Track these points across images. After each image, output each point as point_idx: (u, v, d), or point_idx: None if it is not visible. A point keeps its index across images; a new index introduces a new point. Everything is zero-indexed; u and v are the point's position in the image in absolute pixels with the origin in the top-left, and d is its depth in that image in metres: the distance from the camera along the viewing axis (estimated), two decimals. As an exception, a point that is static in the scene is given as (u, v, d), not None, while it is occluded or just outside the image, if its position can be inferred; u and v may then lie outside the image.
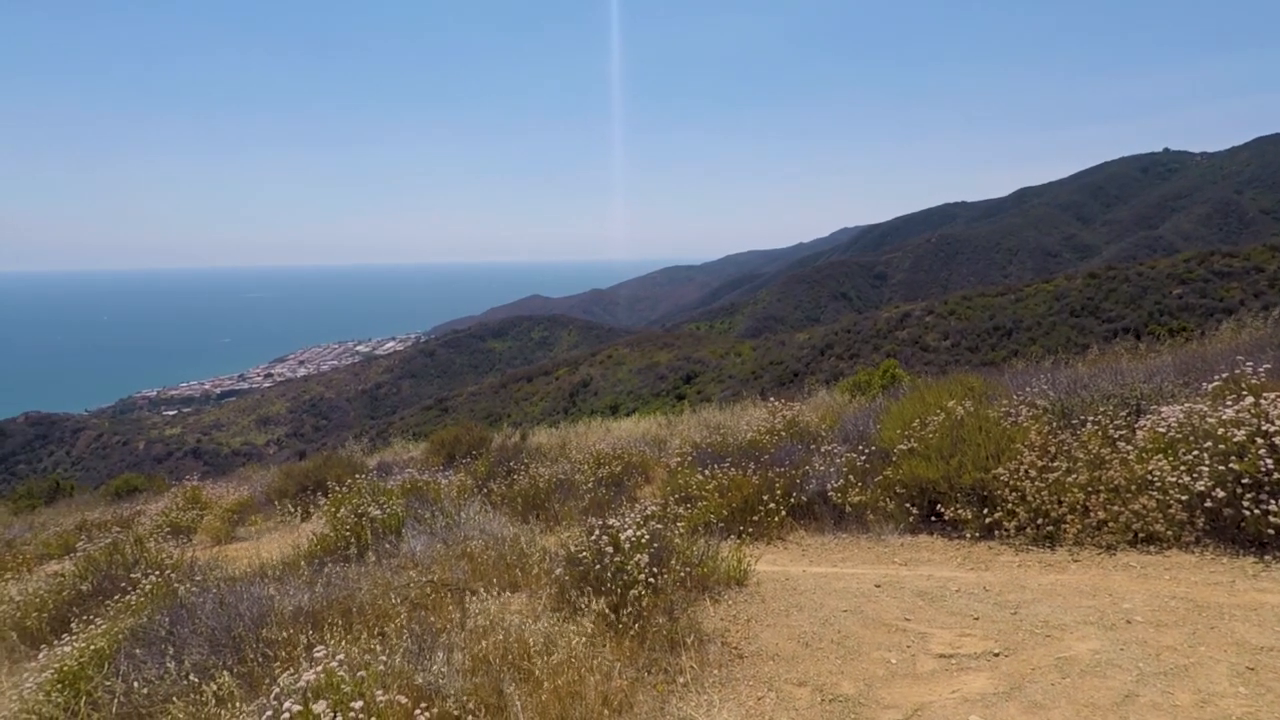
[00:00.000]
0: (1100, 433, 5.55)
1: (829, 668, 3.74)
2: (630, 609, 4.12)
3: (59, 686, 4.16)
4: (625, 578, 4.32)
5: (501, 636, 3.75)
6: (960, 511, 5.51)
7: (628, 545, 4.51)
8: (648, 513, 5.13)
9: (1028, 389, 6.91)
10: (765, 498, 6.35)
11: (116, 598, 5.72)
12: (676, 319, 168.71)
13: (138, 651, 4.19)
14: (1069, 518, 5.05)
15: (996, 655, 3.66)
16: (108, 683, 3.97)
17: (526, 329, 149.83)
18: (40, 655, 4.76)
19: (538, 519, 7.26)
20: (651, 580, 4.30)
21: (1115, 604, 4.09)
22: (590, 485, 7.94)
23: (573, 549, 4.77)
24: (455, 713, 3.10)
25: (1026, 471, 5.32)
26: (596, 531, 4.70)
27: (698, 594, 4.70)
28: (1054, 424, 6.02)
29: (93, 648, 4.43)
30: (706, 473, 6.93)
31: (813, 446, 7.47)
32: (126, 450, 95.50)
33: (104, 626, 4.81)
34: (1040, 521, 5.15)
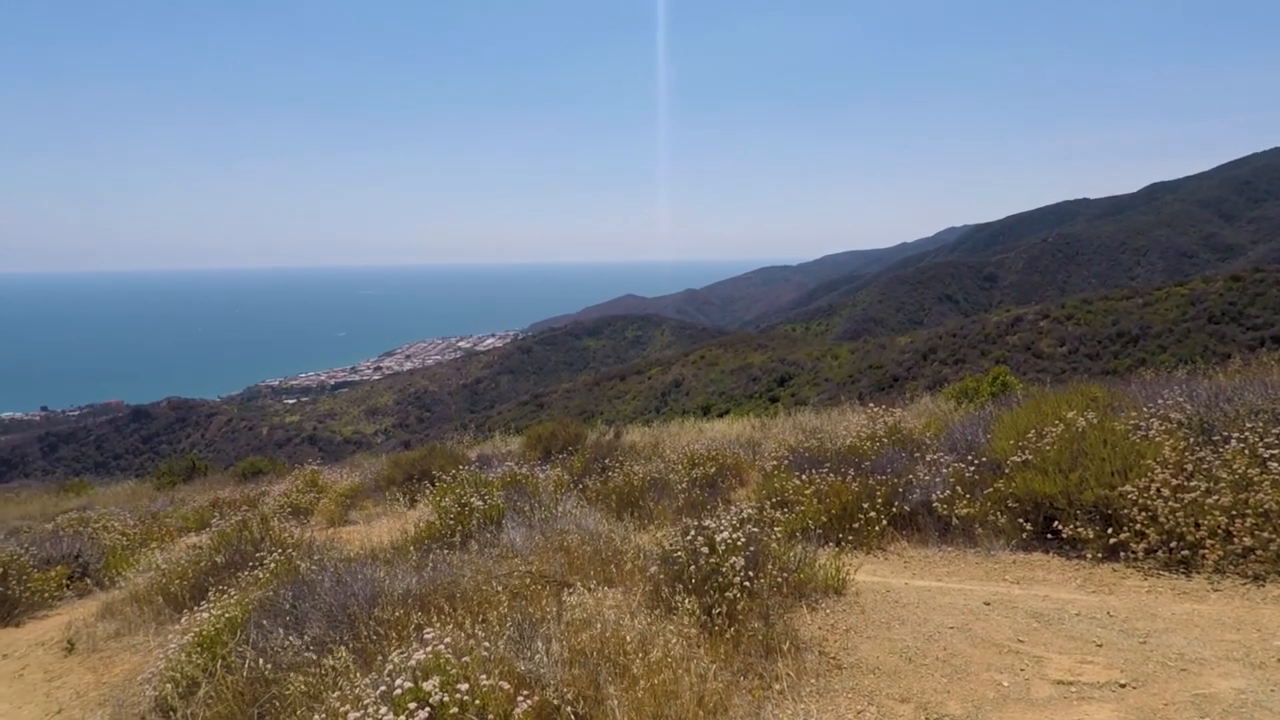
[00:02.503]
0: (1247, 451, 5.04)
1: (934, 685, 3.58)
2: (725, 611, 4.09)
3: (198, 649, 4.55)
4: (720, 579, 4.29)
5: (598, 630, 3.81)
6: (1081, 530, 5.15)
7: (723, 547, 4.48)
8: (744, 515, 5.08)
9: (1159, 401, 6.38)
10: (865, 506, 6.16)
11: (246, 571, 6.21)
12: (771, 320, 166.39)
13: (265, 622, 4.53)
14: (1208, 542, 4.63)
15: (1123, 686, 3.39)
16: (240, 649, 4.31)
17: (620, 328, 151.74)
18: (182, 619, 5.23)
19: (632, 516, 7.32)
20: (747, 584, 4.26)
21: (1264, 640, 3.71)
22: (684, 485, 7.94)
23: (667, 548, 4.78)
24: (555, 702, 3.18)
25: (1159, 490, 4.91)
26: (692, 532, 4.69)
27: (794, 600, 4.61)
28: (1191, 440, 5.53)
29: (227, 616, 4.83)
30: (803, 477, 6.79)
31: (916, 455, 7.17)
32: (251, 435, 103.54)
33: (236, 597, 5.23)
34: (1174, 545, 4.74)
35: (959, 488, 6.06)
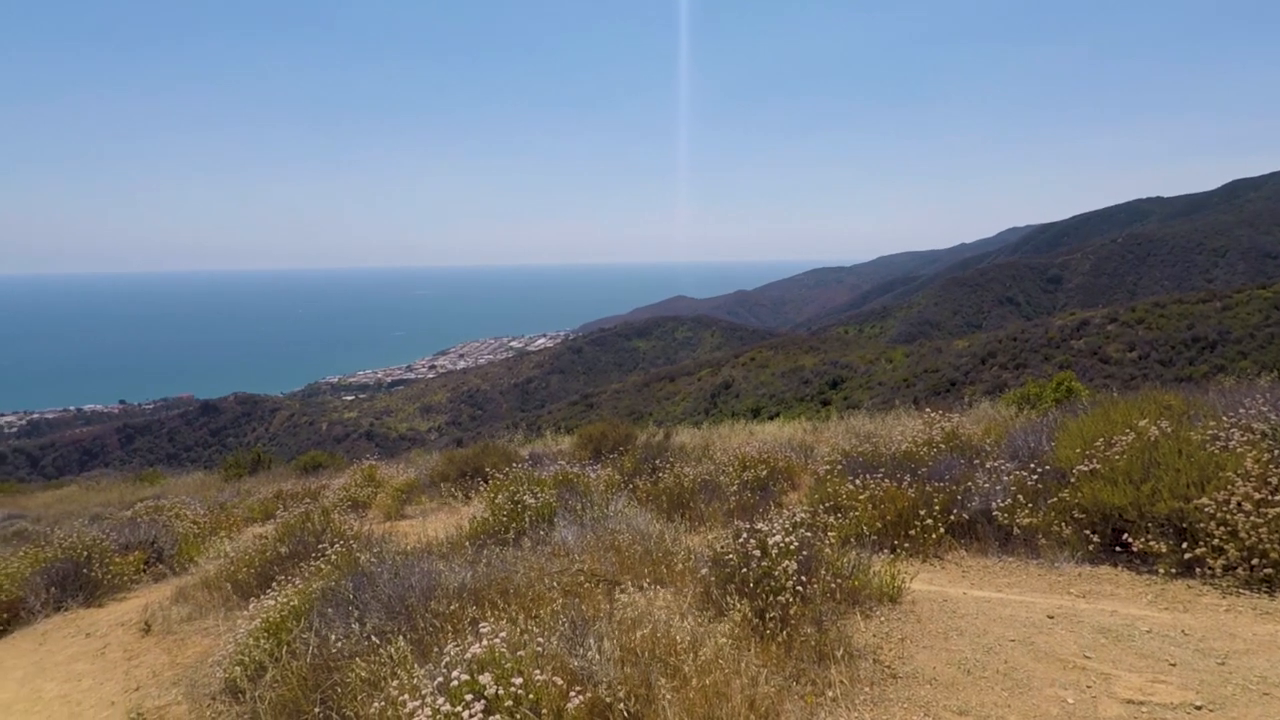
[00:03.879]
0: (1338, 464, 4.75)
1: (993, 699, 3.48)
2: (777, 615, 4.05)
3: (265, 634, 4.74)
4: (772, 583, 4.26)
5: (649, 630, 3.82)
6: (1152, 544, 4.93)
7: (775, 551, 4.44)
8: (796, 519, 5.03)
9: (1240, 410, 6.04)
10: (921, 513, 6.01)
11: (308, 561, 6.43)
12: (824, 322, 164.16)
13: (328, 611, 4.69)
14: (1294, 560, 4.38)
15: (1199, 709, 3.24)
16: (304, 636, 4.47)
17: (670, 329, 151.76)
18: (249, 606, 5.45)
19: (682, 518, 7.32)
20: (800, 588, 4.21)
21: (1356, 666, 3.49)
22: (735, 488, 7.90)
23: (719, 550, 4.76)
24: (607, 699, 3.20)
25: (1239, 504, 4.66)
26: (744, 534, 4.67)
27: (847, 607, 4.54)
28: (1276, 452, 5.23)
29: (291, 604, 5.01)
30: (857, 482, 6.67)
31: (975, 462, 6.98)
32: (312, 429, 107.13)
33: (300, 586, 5.42)
34: (1256, 562, 4.49)
35: (1021, 496, 5.87)
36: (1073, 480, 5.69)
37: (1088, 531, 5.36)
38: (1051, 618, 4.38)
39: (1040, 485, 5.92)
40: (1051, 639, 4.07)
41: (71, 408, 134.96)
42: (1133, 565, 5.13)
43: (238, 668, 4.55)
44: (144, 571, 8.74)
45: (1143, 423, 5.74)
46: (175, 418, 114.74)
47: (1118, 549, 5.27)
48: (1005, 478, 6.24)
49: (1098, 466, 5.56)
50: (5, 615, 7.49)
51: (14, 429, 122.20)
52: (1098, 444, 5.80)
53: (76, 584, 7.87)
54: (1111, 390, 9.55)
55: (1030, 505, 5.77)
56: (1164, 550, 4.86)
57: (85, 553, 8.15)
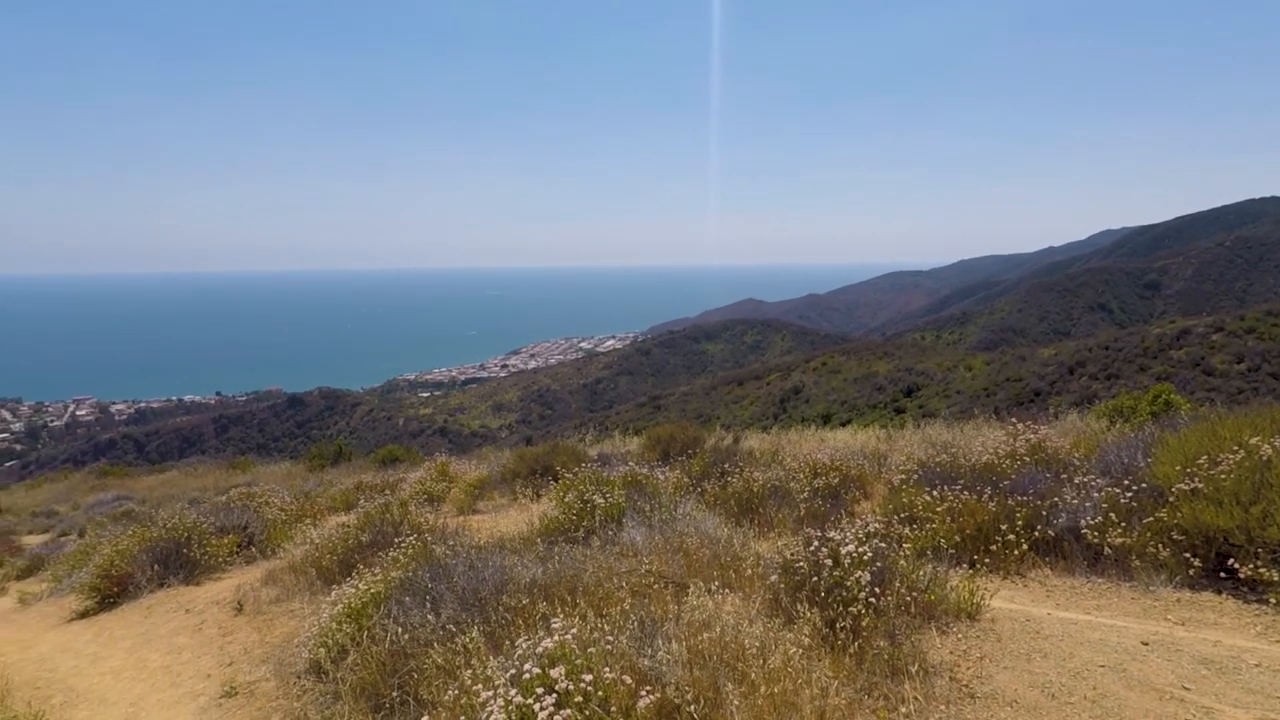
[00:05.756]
0: None
1: (1080, 727, 3.31)
2: (849, 626, 3.97)
3: (347, 619, 4.96)
4: (844, 593, 4.17)
5: (717, 634, 3.80)
6: (1262, 570, 4.58)
7: (848, 560, 4.35)
8: (870, 529, 4.92)
9: (1367, 429, 5.56)
10: (1003, 527, 5.76)
11: (387, 551, 6.68)
12: (899, 327, 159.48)
13: (406, 600, 4.86)
14: None
15: (1314, 751, 2.99)
16: (383, 622, 4.65)
17: (739, 332, 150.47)
18: (332, 591, 5.71)
19: (751, 523, 7.24)
20: (872, 600, 4.11)
21: None
22: (805, 495, 7.77)
23: (789, 557, 4.70)
24: (675, 701, 3.21)
25: (1364, 531, 4.29)
26: (815, 542, 4.59)
27: (922, 622, 4.40)
28: None
29: (371, 591, 5.22)
30: (934, 493, 6.45)
31: (1062, 476, 6.64)
32: (390, 424, 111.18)
33: (380, 574, 5.64)
34: (1383, 596, 4.12)
35: (1113, 514, 5.54)
36: (1171, 499, 5.34)
37: (1188, 555, 5.03)
38: (1146, 644, 4.13)
39: (1135, 503, 5.59)
40: (1146, 667, 3.84)
41: (174, 398, 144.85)
42: (1239, 593, 4.78)
43: (322, 649, 4.78)
44: (237, 554, 9.27)
45: (1254, 440, 5.34)
46: (265, 410, 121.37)
47: (1222, 575, 4.92)
48: (1096, 494, 5.92)
49: (1200, 485, 5.20)
50: (116, 589, 8.10)
51: (123, 417, 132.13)
52: (1200, 461, 5.42)
53: (178, 563, 8.43)
54: (1216, 405, 8.93)
55: (1123, 524, 5.45)
56: (1276, 579, 4.51)
57: (186, 534, 8.71)
